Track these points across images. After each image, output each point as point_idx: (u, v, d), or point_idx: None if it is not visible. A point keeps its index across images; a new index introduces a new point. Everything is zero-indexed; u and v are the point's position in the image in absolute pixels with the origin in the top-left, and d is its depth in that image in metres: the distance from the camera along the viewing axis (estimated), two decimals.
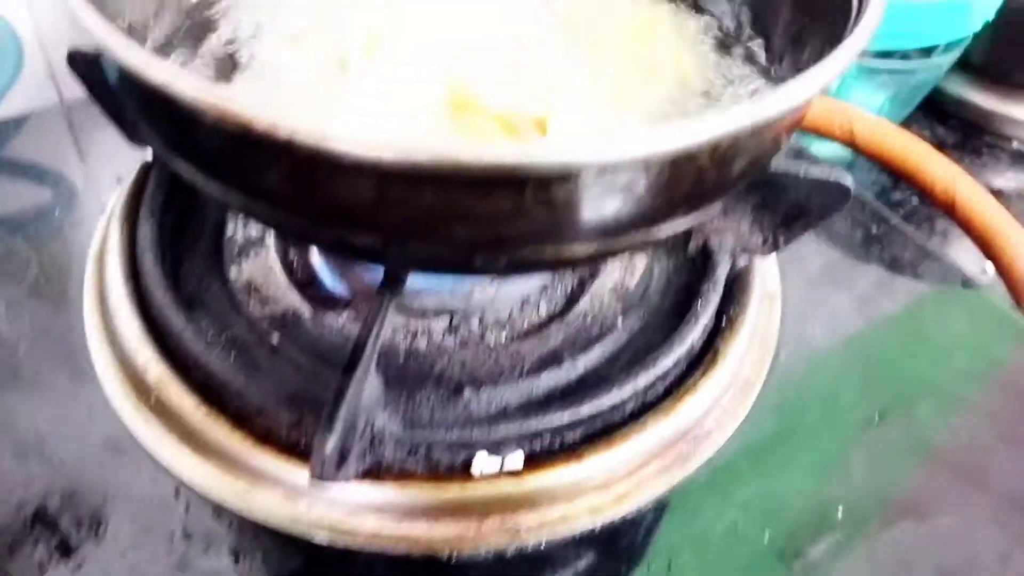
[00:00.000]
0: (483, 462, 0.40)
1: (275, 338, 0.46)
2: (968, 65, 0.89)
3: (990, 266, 0.63)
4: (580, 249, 0.32)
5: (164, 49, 0.44)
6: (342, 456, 0.34)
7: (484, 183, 0.27)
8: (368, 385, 0.37)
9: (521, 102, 0.36)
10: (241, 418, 0.41)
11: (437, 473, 0.40)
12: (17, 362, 0.47)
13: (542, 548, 0.40)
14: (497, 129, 0.35)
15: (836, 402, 0.49)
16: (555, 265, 0.44)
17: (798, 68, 0.41)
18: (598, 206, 0.29)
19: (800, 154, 0.65)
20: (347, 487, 0.39)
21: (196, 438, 0.42)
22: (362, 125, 0.36)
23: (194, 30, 0.45)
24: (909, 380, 0.51)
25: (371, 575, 0.41)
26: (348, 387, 0.34)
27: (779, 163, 0.41)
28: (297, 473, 0.40)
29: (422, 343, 0.47)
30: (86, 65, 0.42)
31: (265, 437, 0.41)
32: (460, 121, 0.36)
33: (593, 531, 0.41)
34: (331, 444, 0.32)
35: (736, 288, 0.49)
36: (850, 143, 0.68)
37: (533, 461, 0.41)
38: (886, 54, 0.80)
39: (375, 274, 0.45)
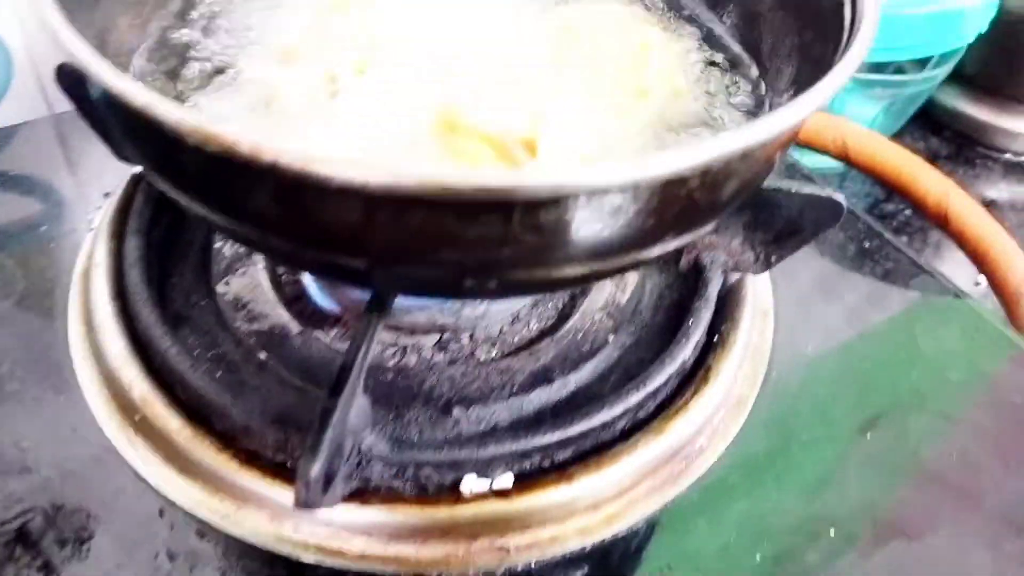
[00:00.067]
0: (472, 483, 0.40)
1: (262, 355, 0.45)
2: (961, 77, 0.89)
3: (982, 278, 0.63)
4: (570, 272, 0.32)
5: (152, 66, 0.44)
6: (328, 479, 0.34)
7: (472, 208, 0.27)
8: (355, 406, 0.36)
9: (511, 122, 0.36)
10: (227, 438, 0.41)
11: (426, 494, 0.40)
12: (1, 378, 0.46)
13: (532, 569, 0.40)
14: (486, 150, 0.35)
15: (828, 419, 0.48)
16: (545, 288, 0.44)
17: (791, 84, 0.42)
18: (587, 230, 0.29)
19: (792, 168, 0.65)
20: (334, 508, 0.38)
21: (181, 458, 0.41)
22: (350, 146, 0.36)
23: (181, 48, 0.44)
24: (901, 396, 0.50)
25: None
26: (334, 411, 0.34)
27: (771, 180, 0.41)
28: (283, 494, 0.39)
29: (411, 360, 0.47)
30: (73, 81, 0.42)
31: (251, 457, 0.40)
32: (449, 142, 0.36)
33: (584, 552, 0.41)
34: (315, 470, 0.32)
35: (728, 304, 0.49)
36: (843, 156, 0.68)
37: (523, 482, 0.40)
38: (880, 66, 0.80)
39: (365, 290, 0.45)
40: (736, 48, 0.47)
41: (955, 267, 0.68)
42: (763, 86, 0.44)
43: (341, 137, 0.38)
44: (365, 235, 0.29)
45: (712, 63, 0.46)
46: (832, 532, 0.42)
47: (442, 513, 0.39)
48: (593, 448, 0.42)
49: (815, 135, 0.67)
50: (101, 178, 0.59)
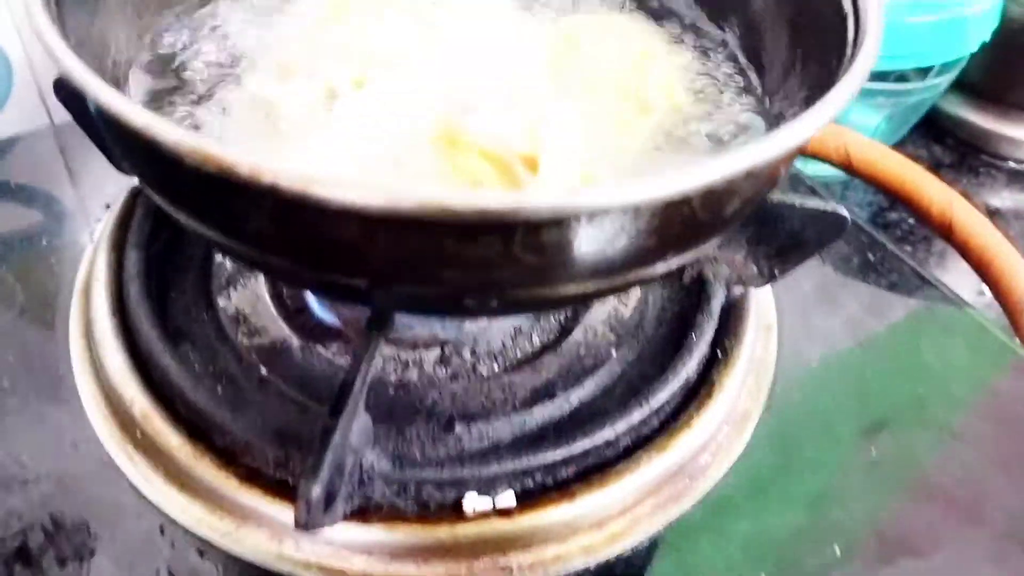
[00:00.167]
0: (474, 501, 0.39)
1: (263, 370, 0.45)
2: (965, 85, 0.89)
3: (986, 287, 0.63)
4: (572, 290, 0.31)
5: (149, 80, 0.43)
6: (329, 499, 0.33)
7: (472, 230, 0.27)
8: (357, 425, 0.36)
9: (511, 138, 0.35)
10: (228, 455, 0.41)
11: (427, 513, 0.39)
12: (1, 394, 0.46)
13: None
14: (486, 166, 0.34)
15: (832, 433, 0.48)
16: (547, 306, 0.43)
17: (795, 97, 0.41)
18: (589, 250, 0.29)
19: (795, 178, 0.65)
20: (335, 527, 0.38)
21: (182, 475, 0.41)
22: (349, 161, 0.36)
23: (179, 61, 0.44)
24: (905, 409, 0.50)
25: None
26: (335, 431, 0.33)
27: (775, 193, 0.40)
28: (284, 512, 0.39)
29: (413, 374, 0.47)
30: (72, 94, 0.42)
31: (252, 475, 0.40)
32: (449, 157, 0.35)
33: (587, 571, 0.40)
34: (316, 492, 0.31)
35: (732, 318, 0.49)
36: (846, 166, 0.68)
37: (525, 500, 0.40)
38: (882, 75, 0.80)
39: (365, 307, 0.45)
40: (739, 60, 0.46)
41: (959, 277, 0.68)
42: (766, 98, 0.43)
43: (340, 152, 0.37)
44: (365, 255, 0.29)
45: (714, 75, 0.45)
46: (837, 549, 0.42)
47: (444, 532, 0.39)
48: (596, 465, 0.41)
49: (817, 144, 0.67)
50: (102, 189, 0.59)
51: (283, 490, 0.39)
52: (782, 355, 0.51)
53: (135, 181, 0.53)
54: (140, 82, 0.43)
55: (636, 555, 0.41)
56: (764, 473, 0.45)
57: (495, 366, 0.47)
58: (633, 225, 0.28)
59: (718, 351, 0.47)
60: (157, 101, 0.43)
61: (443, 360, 0.47)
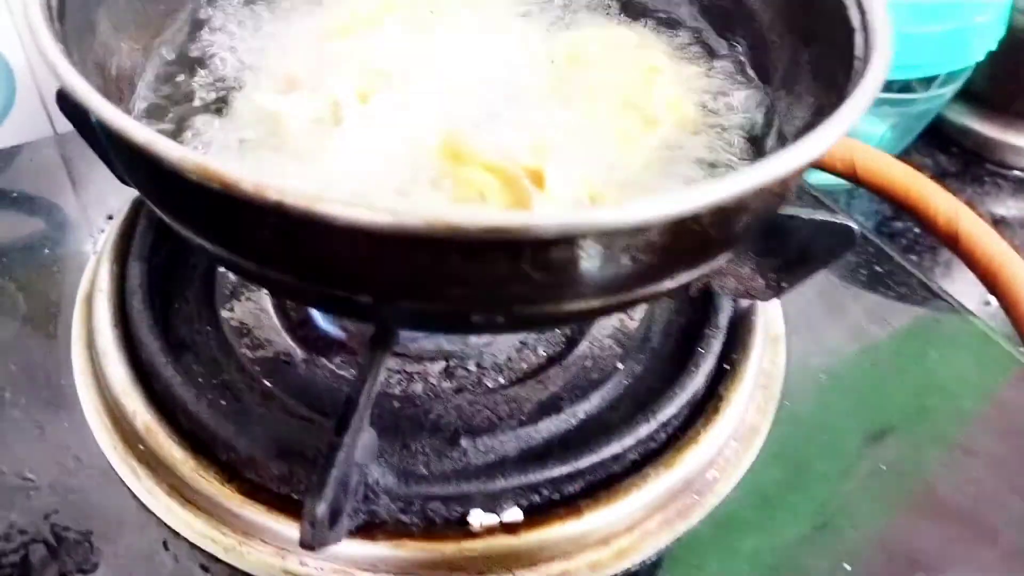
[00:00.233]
0: (480, 517, 0.39)
1: (267, 383, 0.45)
2: (970, 94, 0.88)
3: (992, 297, 0.63)
4: (580, 307, 0.31)
5: (153, 94, 0.43)
6: (334, 516, 0.33)
7: (479, 248, 0.26)
8: (361, 440, 0.35)
9: (517, 152, 0.35)
10: (231, 470, 0.40)
11: (433, 529, 0.39)
12: (3, 405, 0.46)
13: None
14: (492, 180, 0.34)
15: (841, 448, 0.47)
16: (554, 323, 0.43)
17: (803, 111, 0.41)
18: (597, 267, 0.28)
19: (800, 188, 0.64)
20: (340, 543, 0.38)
21: (185, 489, 0.41)
22: (355, 176, 0.35)
23: (183, 73, 0.44)
24: (914, 423, 0.50)
25: None
26: (340, 448, 0.33)
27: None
28: (288, 527, 0.39)
29: (417, 387, 0.46)
30: (75, 105, 0.41)
31: (256, 490, 0.40)
32: (454, 171, 0.35)
33: None
34: (321, 510, 0.31)
35: (739, 331, 0.48)
36: (851, 176, 0.67)
37: (532, 516, 0.39)
38: (888, 84, 0.79)
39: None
40: (746, 73, 0.46)
41: (965, 286, 0.67)
42: (774, 112, 0.43)
43: (345, 166, 0.37)
44: (370, 273, 0.29)
45: (721, 89, 0.45)
46: (847, 567, 0.41)
47: (450, 548, 0.38)
48: (603, 481, 0.41)
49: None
50: (105, 199, 0.59)
51: (287, 505, 0.39)
52: (789, 367, 0.50)
53: (138, 192, 0.52)
54: (143, 94, 0.43)
55: (643, 571, 0.41)
56: (772, 488, 0.45)
57: (500, 379, 0.47)
58: (642, 243, 0.28)
59: (725, 364, 0.47)
60: (160, 113, 0.42)
61: (448, 373, 0.47)
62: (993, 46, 0.78)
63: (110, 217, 0.56)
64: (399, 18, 0.46)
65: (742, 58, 0.47)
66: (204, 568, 0.40)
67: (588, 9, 0.51)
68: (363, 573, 0.39)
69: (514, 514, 0.39)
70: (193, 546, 0.40)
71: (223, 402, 0.44)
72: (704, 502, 0.43)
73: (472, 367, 0.47)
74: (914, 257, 0.83)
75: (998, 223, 0.88)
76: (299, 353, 0.47)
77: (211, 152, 0.39)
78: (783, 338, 0.51)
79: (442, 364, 0.47)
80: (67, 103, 0.42)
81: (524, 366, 0.48)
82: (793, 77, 0.42)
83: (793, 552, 0.42)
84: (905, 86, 0.80)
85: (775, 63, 0.44)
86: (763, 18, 0.45)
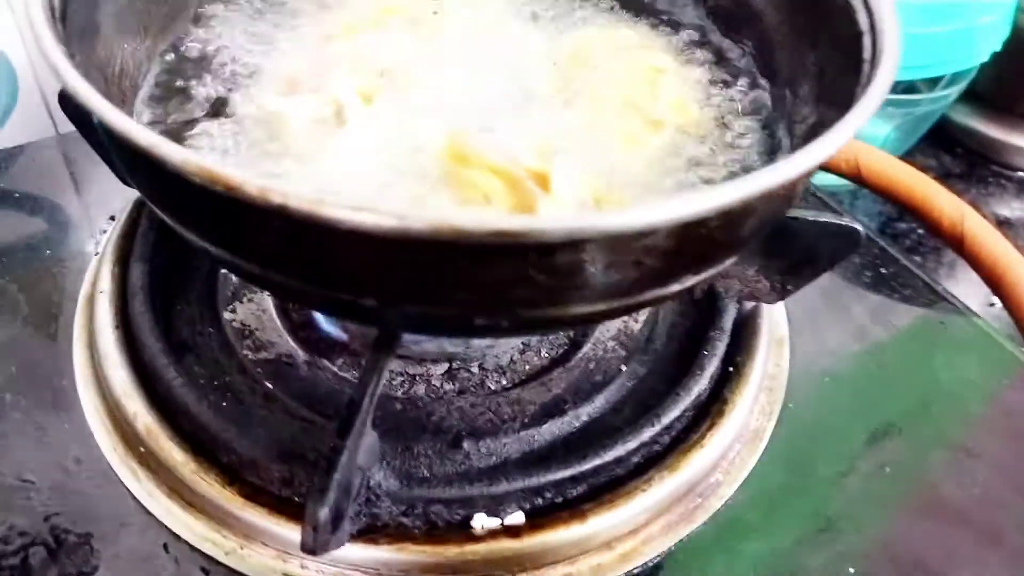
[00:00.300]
0: (483, 521, 0.39)
1: (269, 385, 0.45)
2: (974, 95, 0.88)
3: (996, 298, 0.62)
4: (585, 310, 0.31)
5: (155, 95, 0.43)
6: (335, 520, 0.33)
7: (485, 251, 0.26)
8: (363, 443, 0.35)
9: (521, 153, 0.35)
10: (233, 472, 0.40)
11: (435, 532, 0.39)
12: (3, 407, 0.45)
13: None
14: (497, 182, 0.34)
15: (846, 450, 0.47)
16: (559, 326, 0.43)
17: (809, 112, 0.41)
18: (603, 271, 0.28)
19: (804, 189, 0.64)
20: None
21: (186, 492, 0.41)
22: (359, 179, 0.35)
23: (185, 75, 0.44)
24: (919, 426, 0.49)
25: None
26: (342, 452, 0.33)
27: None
28: (290, 530, 0.39)
29: (420, 389, 0.46)
30: (77, 106, 0.41)
31: (257, 492, 0.40)
32: (459, 173, 0.35)
33: None
34: (323, 514, 0.31)
35: (744, 333, 0.48)
36: (856, 177, 0.67)
37: (535, 519, 0.39)
38: (892, 85, 0.79)
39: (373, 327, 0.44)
40: (752, 74, 0.46)
41: (969, 287, 0.67)
42: (779, 113, 0.43)
43: (348, 168, 0.37)
44: (374, 277, 0.28)
45: (726, 90, 0.45)
46: (852, 570, 0.41)
47: (452, 552, 0.38)
48: (606, 484, 0.41)
49: None
50: (107, 199, 0.59)
51: (289, 508, 0.39)
52: (793, 369, 0.50)
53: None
54: (146, 95, 0.43)
55: (646, 575, 0.41)
56: (775, 491, 0.45)
57: (503, 381, 0.47)
58: (649, 247, 0.27)
59: (730, 367, 0.47)
60: (163, 114, 0.42)
61: (451, 375, 0.47)
62: (998, 47, 0.78)
63: (112, 218, 0.56)
64: (402, 19, 0.46)
65: (748, 59, 0.46)
66: (204, 571, 0.40)
67: (592, 9, 0.51)
68: None
69: (517, 517, 0.39)
70: (194, 549, 0.40)
71: (224, 404, 0.43)
72: (708, 505, 0.43)
73: (475, 369, 0.47)
74: (918, 258, 0.82)
75: (1002, 224, 0.88)
76: (301, 355, 0.47)
77: (213, 154, 0.39)
78: (787, 340, 0.51)
79: (445, 366, 0.47)
80: (69, 104, 0.42)
81: (527, 368, 0.48)
82: (799, 79, 0.42)
83: (797, 555, 0.42)
84: (910, 87, 0.80)
85: (781, 64, 0.44)
86: (769, 19, 0.45)
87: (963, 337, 0.56)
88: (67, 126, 0.66)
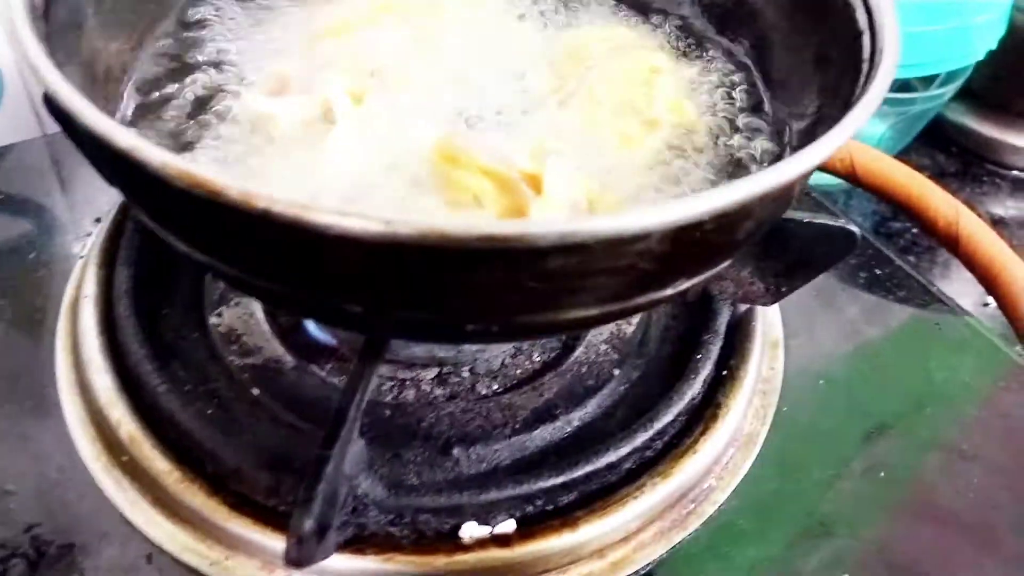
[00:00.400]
0: (472, 529, 0.38)
1: (255, 391, 0.44)
2: (970, 93, 0.88)
3: (991, 298, 0.62)
4: (578, 315, 0.30)
5: (141, 96, 0.42)
6: (321, 531, 0.32)
7: (475, 257, 0.25)
8: (350, 451, 0.35)
9: (514, 155, 0.34)
10: (217, 481, 0.39)
11: (423, 542, 0.38)
12: None
13: None
14: (488, 184, 0.33)
15: (839, 455, 0.47)
16: (552, 331, 0.42)
17: (807, 112, 0.40)
18: (597, 276, 0.27)
19: (801, 191, 0.64)
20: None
21: (170, 502, 0.40)
22: (347, 180, 0.34)
23: (172, 75, 0.43)
24: (914, 428, 0.49)
25: None
26: (328, 461, 0.32)
27: None
28: (275, 541, 0.38)
29: (409, 394, 0.45)
30: (60, 107, 0.40)
31: (242, 502, 0.39)
32: (449, 175, 0.34)
33: None
34: (308, 526, 0.30)
35: (737, 336, 0.48)
36: (851, 177, 0.67)
37: (525, 528, 0.38)
38: None
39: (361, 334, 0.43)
40: (749, 73, 0.45)
41: (963, 287, 0.67)
42: (776, 112, 0.42)
43: (337, 169, 0.36)
44: (362, 283, 0.28)
45: (723, 90, 0.44)
46: None
47: (440, 561, 0.37)
48: (598, 491, 0.40)
49: None
50: (93, 201, 0.58)
51: (275, 518, 0.38)
52: (787, 372, 0.50)
53: None
54: (133, 95, 0.42)
55: None
56: (769, 496, 0.44)
57: (494, 386, 0.46)
58: (643, 251, 0.27)
59: (724, 371, 0.46)
60: (150, 115, 0.41)
61: (441, 380, 0.46)
62: (993, 45, 0.78)
63: (98, 220, 0.55)
64: (394, 17, 0.45)
65: (745, 59, 0.46)
66: None
67: (588, 8, 0.50)
68: None
69: (507, 526, 0.38)
70: (177, 560, 0.39)
71: (210, 411, 0.42)
72: (701, 511, 0.42)
73: (465, 373, 0.46)
74: (912, 258, 0.82)
75: (997, 223, 0.88)
76: (289, 360, 0.46)
77: (199, 156, 0.38)
78: (782, 342, 0.51)
79: (435, 371, 0.46)
80: (54, 104, 0.41)
81: (518, 372, 0.47)
82: (796, 78, 0.41)
83: (791, 560, 0.42)
84: (905, 85, 0.80)
85: (778, 64, 0.43)
86: (766, 18, 0.44)
87: (957, 338, 0.56)
88: (54, 127, 0.65)
